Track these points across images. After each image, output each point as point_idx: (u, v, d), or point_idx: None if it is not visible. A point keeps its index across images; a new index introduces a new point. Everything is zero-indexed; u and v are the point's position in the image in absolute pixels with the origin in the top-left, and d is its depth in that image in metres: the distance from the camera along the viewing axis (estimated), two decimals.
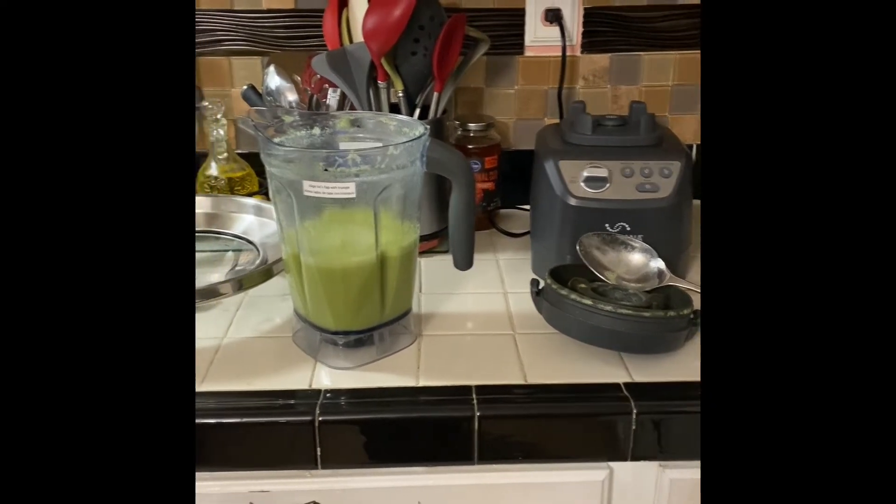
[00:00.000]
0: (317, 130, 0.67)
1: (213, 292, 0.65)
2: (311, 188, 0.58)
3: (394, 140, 0.67)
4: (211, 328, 0.69)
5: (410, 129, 0.65)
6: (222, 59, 0.96)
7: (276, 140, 0.64)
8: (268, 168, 0.61)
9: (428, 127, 0.62)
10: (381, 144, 0.68)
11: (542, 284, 0.69)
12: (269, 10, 0.94)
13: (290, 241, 0.63)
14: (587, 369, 0.63)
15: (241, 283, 0.65)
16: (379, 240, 0.61)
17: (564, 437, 0.59)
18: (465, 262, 0.67)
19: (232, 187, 0.90)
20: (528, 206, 0.99)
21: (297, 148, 0.62)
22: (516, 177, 0.97)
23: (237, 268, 0.76)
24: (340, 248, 0.62)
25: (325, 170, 0.57)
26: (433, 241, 0.87)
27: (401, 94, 0.82)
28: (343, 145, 0.68)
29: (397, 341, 0.67)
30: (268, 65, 0.89)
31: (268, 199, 0.93)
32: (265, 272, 0.67)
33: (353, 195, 0.58)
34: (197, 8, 0.93)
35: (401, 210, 0.62)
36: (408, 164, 0.60)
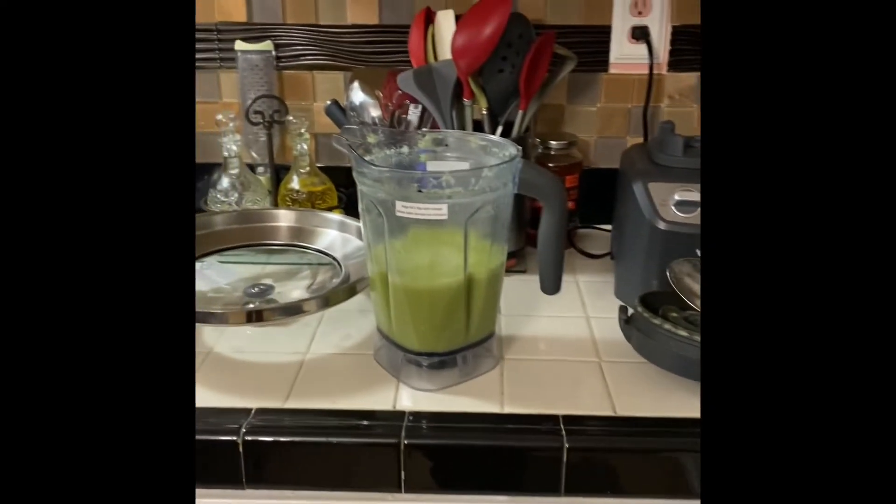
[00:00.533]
0: (405, 149, 0.67)
1: (297, 309, 0.65)
2: (404, 209, 0.57)
3: (480, 159, 0.66)
4: (293, 343, 0.70)
5: (500, 149, 0.64)
6: (306, 73, 0.97)
7: (369, 158, 0.64)
8: (359, 186, 0.61)
9: (520, 148, 0.61)
10: (466, 164, 0.67)
11: (631, 312, 0.67)
12: (353, 25, 0.95)
13: (377, 260, 0.63)
14: (680, 403, 0.60)
15: (327, 299, 0.65)
16: (467, 261, 0.60)
17: (656, 473, 0.57)
18: (553, 287, 0.65)
19: (313, 201, 0.91)
20: (607, 226, 0.97)
21: (392, 168, 0.62)
22: (596, 196, 0.95)
23: (319, 282, 0.76)
24: (428, 268, 0.61)
25: (419, 191, 0.57)
26: (511, 261, 0.86)
27: (484, 112, 0.81)
28: (429, 165, 0.68)
29: (480, 364, 0.65)
30: (352, 80, 0.90)
31: (348, 213, 0.94)
32: (349, 290, 0.67)
33: (445, 216, 0.57)
34: (281, 22, 0.95)
35: (490, 231, 0.61)
36: (500, 186, 0.59)
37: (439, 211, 0.57)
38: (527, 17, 0.80)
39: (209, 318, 0.62)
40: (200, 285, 0.75)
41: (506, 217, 0.62)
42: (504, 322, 0.74)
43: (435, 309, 0.61)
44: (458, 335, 0.63)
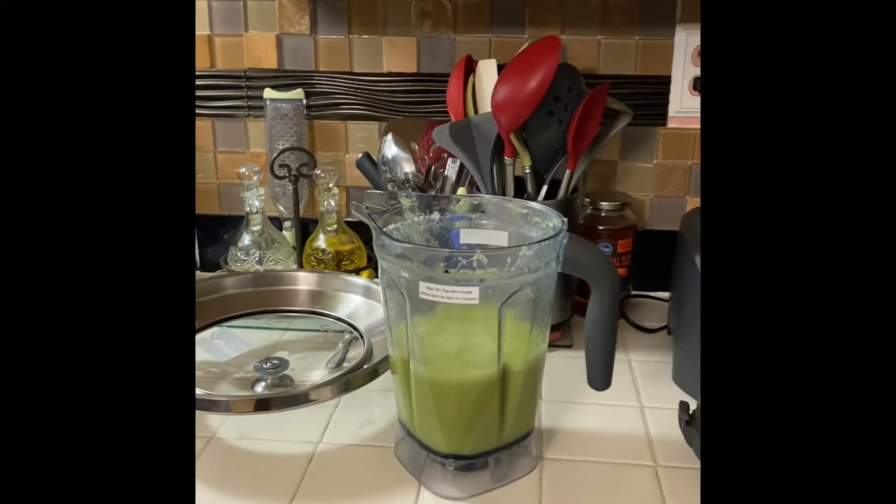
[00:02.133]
0: (436, 215, 0.59)
1: (310, 398, 0.57)
2: (429, 290, 0.50)
3: (520, 229, 0.58)
4: (306, 430, 0.62)
5: (542, 219, 0.56)
6: (338, 123, 0.91)
7: (390, 227, 0.57)
8: (380, 261, 0.54)
9: (566, 220, 0.53)
10: (504, 234, 0.59)
11: (693, 409, 0.57)
12: (389, 73, 0.89)
13: (399, 344, 0.55)
14: None
15: (346, 384, 0.57)
16: (502, 349, 0.52)
17: None
18: (602, 382, 0.56)
19: (339, 261, 0.84)
20: (664, 294, 0.88)
21: (416, 244, 0.55)
22: (651, 259, 0.86)
23: (338, 357, 0.69)
24: (457, 357, 0.53)
25: (446, 271, 0.49)
26: (555, 334, 0.77)
27: (528, 170, 0.73)
28: (463, 234, 0.60)
29: (515, 466, 0.56)
30: (386, 132, 0.83)
31: (376, 272, 0.86)
32: (370, 373, 0.59)
33: (476, 301, 0.49)
34: (315, 69, 0.89)
35: (529, 317, 0.52)
36: (541, 266, 0.51)
37: (469, 294, 0.49)
38: (576, 67, 0.72)
39: (211, 407, 0.55)
40: (206, 356, 0.68)
41: (548, 300, 0.53)
42: (544, 410, 0.65)
43: (464, 405, 0.53)
44: (490, 435, 0.54)
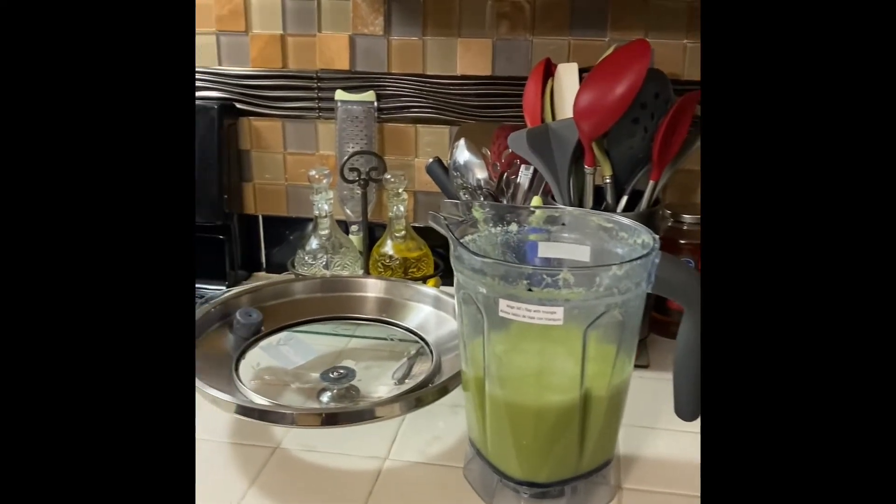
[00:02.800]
0: (513, 227, 0.56)
1: (377, 414, 0.55)
2: (509, 309, 0.47)
3: (602, 244, 0.55)
4: (372, 444, 0.60)
5: (629, 234, 0.53)
6: (408, 126, 0.90)
7: (466, 239, 0.54)
8: (456, 275, 0.51)
9: (657, 238, 0.49)
10: (586, 248, 0.56)
11: None
12: (462, 76, 0.86)
13: (473, 362, 0.52)
14: None
15: (416, 401, 0.55)
16: (585, 373, 0.49)
17: None
18: (691, 412, 0.52)
19: (406, 268, 0.82)
20: None
21: (497, 260, 0.52)
22: None
23: (405, 370, 0.66)
24: (536, 379, 0.50)
25: (529, 289, 0.46)
26: None
27: (608, 180, 0.70)
28: (542, 247, 0.57)
29: (592, 496, 0.53)
30: (458, 137, 0.81)
31: (445, 281, 0.84)
32: (440, 390, 0.56)
33: (561, 321, 0.46)
34: (386, 71, 0.88)
35: (616, 340, 0.49)
36: (631, 287, 0.47)
37: (553, 315, 0.46)
38: (664, 72, 0.68)
39: (279, 419, 0.54)
40: (273, 363, 0.67)
41: (636, 322, 0.50)
42: (622, 435, 0.61)
43: (541, 430, 0.50)
44: (568, 463, 0.51)
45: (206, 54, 0.89)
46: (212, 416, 0.61)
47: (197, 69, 0.90)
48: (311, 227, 0.84)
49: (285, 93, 0.90)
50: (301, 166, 0.92)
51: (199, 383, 0.54)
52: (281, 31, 0.88)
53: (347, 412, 0.55)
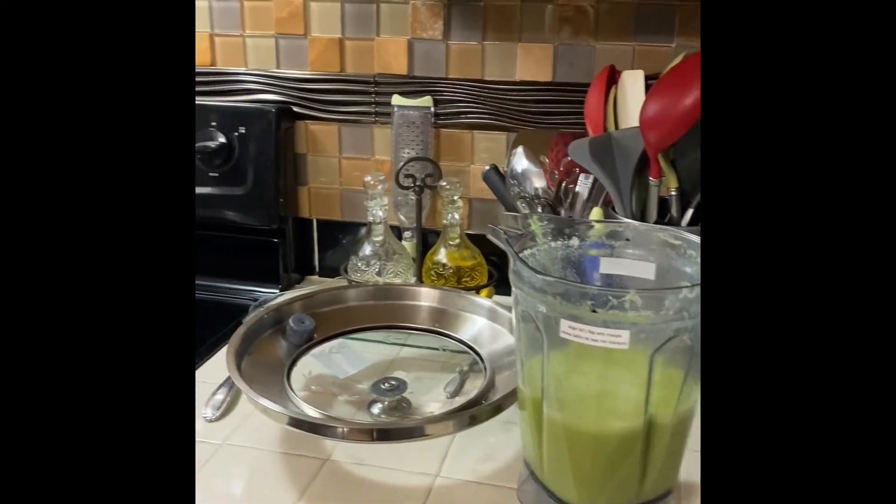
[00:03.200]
0: (574, 241, 0.54)
1: (427, 432, 0.54)
2: (571, 330, 0.45)
3: (668, 262, 0.52)
4: (422, 460, 0.59)
5: (699, 252, 0.50)
6: (465, 132, 0.88)
7: (525, 253, 0.52)
8: (515, 290, 0.49)
9: None
10: (651, 266, 0.53)
11: None
12: (521, 82, 0.84)
13: (530, 382, 0.50)
14: None
15: (471, 419, 0.54)
16: (650, 400, 0.46)
17: None
18: None
19: (460, 277, 0.80)
20: None
21: (559, 279, 0.50)
22: None
23: (457, 385, 0.65)
24: (596, 403, 0.48)
25: (594, 311, 0.44)
26: None
27: (673, 193, 0.67)
28: (604, 263, 0.55)
29: None
30: (516, 145, 0.79)
31: (499, 291, 0.82)
32: (495, 409, 0.55)
33: (626, 345, 0.44)
34: (443, 76, 0.86)
35: (684, 365, 0.46)
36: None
37: (618, 339, 0.44)
38: None
39: (330, 432, 0.53)
40: (325, 371, 0.67)
41: None
42: (686, 462, 0.59)
43: (601, 457, 0.48)
44: (628, 491, 0.49)
45: (265, 57, 0.90)
46: (262, 424, 0.61)
47: (256, 72, 0.90)
48: (364, 231, 0.83)
49: (342, 97, 0.89)
50: (355, 170, 0.92)
51: (251, 393, 0.54)
52: (339, 35, 0.87)
53: (399, 429, 0.54)
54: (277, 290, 0.90)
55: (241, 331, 0.63)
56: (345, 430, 0.53)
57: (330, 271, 0.95)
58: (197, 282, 0.91)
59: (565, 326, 0.45)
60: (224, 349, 0.76)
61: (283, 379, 0.61)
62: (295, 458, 0.59)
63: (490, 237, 0.51)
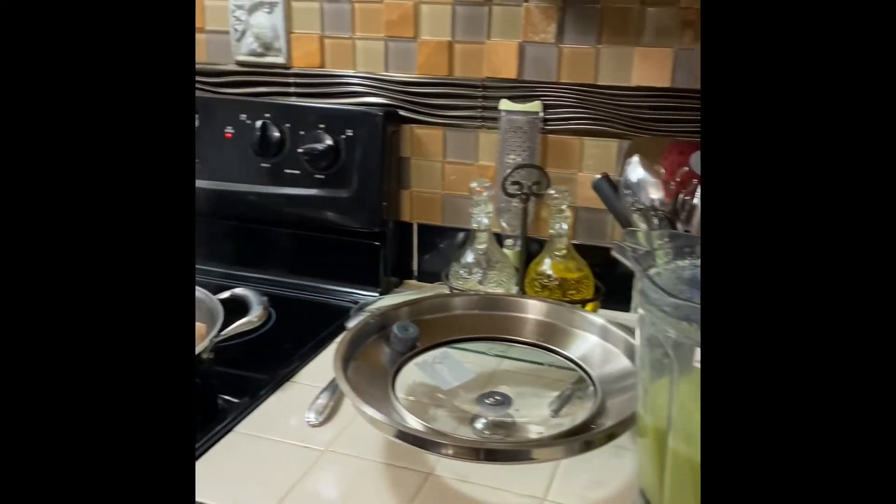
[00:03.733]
0: (699, 261, 0.51)
1: (534, 455, 0.52)
2: None
3: None
4: (528, 482, 0.56)
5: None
6: (573, 138, 0.85)
7: (656, 271, 0.49)
8: (642, 311, 0.46)
9: None
10: None
11: None
12: (637, 87, 0.81)
13: (653, 409, 0.47)
14: None
15: (585, 445, 0.51)
16: None
17: None
18: None
19: (565, 290, 0.77)
20: None
21: (694, 304, 0.46)
22: None
23: (564, 406, 0.62)
24: None
25: None
26: None
27: None
28: None
29: None
30: (631, 153, 0.76)
31: (605, 306, 0.79)
32: (607, 436, 0.52)
33: None
34: (554, 80, 0.84)
35: None
36: None
37: None
38: None
39: (436, 448, 0.51)
40: (428, 381, 0.65)
41: None
42: None
43: None
44: None
45: (374, 60, 0.89)
46: (365, 431, 0.60)
47: (364, 74, 0.90)
48: (461, 237, 0.82)
49: (449, 101, 0.88)
50: (458, 175, 0.90)
51: (359, 403, 0.53)
52: (449, 38, 0.86)
53: (507, 451, 0.52)
54: (377, 294, 0.90)
55: (347, 336, 0.62)
56: (451, 448, 0.51)
57: (428, 276, 0.94)
58: (298, 282, 0.92)
59: (699, 356, 0.42)
60: (325, 352, 0.77)
61: (388, 387, 0.60)
62: (398, 471, 0.58)
63: (615, 254, 0.48)
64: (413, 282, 0.95)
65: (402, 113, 0.90)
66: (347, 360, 0.60)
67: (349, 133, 0.87)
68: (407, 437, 0.52)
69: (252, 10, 0.92)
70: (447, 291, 0.81)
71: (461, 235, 0.92)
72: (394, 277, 0.94)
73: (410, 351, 0.66)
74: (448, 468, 0.58)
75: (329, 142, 0.87)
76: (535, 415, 0.63)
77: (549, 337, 0.68)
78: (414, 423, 0.56)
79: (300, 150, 0.88)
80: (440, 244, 0.94)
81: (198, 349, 0.63)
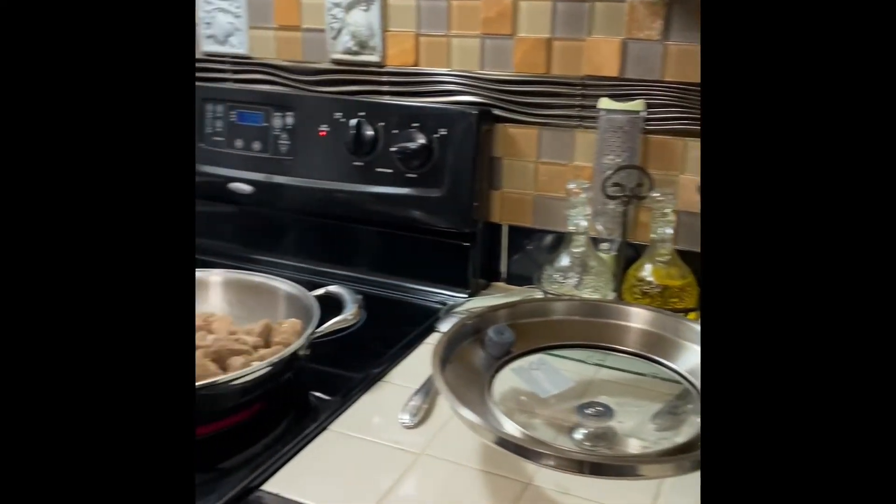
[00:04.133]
0: None
1: (641, 472, 0.49)
2: None
3: None
4: (632, 498, 0.54)
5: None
6: (675, 139, 0.81)
7: None
8: None
9: None
10: None
11: None
12: None
13: None
14: None
15: (695, 463, 0.48)
16: None
17: None
18: None
19: (666, 298, 0.74)
20: None
21: None
22: None
23: (670, 420, 0.59)
24: None
25: None
26: None
27: None
28: None
29: None
30: None
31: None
32: None
33: None
34: (659, 79, 0.80)
35: None
36: None
37: None
38: None
39: (538, 458, 0.49)
40: (526, 388, 0.63)
41: None
42: None
43: None
44: None
45: (469, 58, 0.88)
46: (460, 435, 0.59)
47: (458, 72, 0.89)
48: (549, 239, 0.79)
49: (546, 99, 0.86)
50: (552, 176, 0.88)
51: (459, 407, 0.52)
52: (548, 35, 0.84)
53: (613, 466, 0.50)
54: (465, 295, 0.89)
55: (444, 339, 0.61)
56: (554, 459, 0.49)
57: (517, 279, 0.92)
58: (385, 280, 0.92)
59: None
60: (415, 353, 0.76)
61: (485, 392, 0.59)
62: (496, 478, 0.56)
63: None
64: (501, 284, 0.93)
65: (496, 112, 0.88)
66: (444, 362, 0.59)
67: (442, 132, 0.86)
68: (508, 444, 0.50)
69: (349, 7, 0.92)
70: (539, 295, 0.79)
71: (550, 238, 0.89)
72: (482, 279, 0.92)
73: (505, 356, 0.64)
74: (547, 478, 0.56)
75: (422, 141, 0.86)
76: (638, 428, 0.60)
77: (653, 347, 0.65)
78: (512, 430, 0.54)
79: (393, 149, 0.87)
80: (528, 246, 0.92)
81: (294, 346, 0.63)
